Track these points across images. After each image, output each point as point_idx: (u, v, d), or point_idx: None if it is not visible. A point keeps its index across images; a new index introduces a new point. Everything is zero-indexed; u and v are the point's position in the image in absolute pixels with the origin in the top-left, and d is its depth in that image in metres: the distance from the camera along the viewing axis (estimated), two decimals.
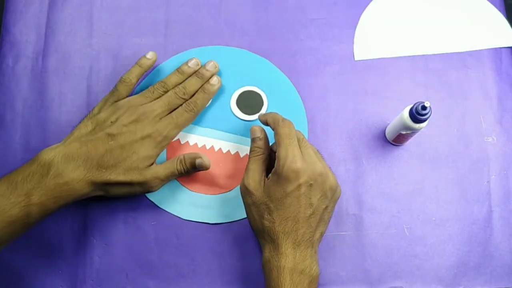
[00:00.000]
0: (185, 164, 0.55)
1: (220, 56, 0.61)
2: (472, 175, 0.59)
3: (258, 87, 0.61)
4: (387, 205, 0.58)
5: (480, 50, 0.63)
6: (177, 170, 0.54)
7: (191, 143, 0.59)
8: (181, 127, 0.56)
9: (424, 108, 0.50)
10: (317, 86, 0.61)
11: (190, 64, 0.59)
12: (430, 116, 0.50)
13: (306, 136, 0.60)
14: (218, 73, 0.60)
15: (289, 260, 0.48)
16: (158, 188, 0.55)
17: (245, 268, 0.56)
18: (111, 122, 0.53)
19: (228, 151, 0.59)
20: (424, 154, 0.59)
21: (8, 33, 0.63)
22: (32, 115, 0.60)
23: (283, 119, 0.53)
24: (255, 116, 0.60)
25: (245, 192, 0.52)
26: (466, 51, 0.63)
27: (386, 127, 0.59)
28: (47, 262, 0.56)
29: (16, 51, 0.62)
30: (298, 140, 0.52)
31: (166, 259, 0.56)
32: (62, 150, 0.50)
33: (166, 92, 0.57)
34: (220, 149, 0.59)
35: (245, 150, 0.59)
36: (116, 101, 0.56)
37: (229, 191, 0.58)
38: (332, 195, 0.51)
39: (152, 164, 0.54)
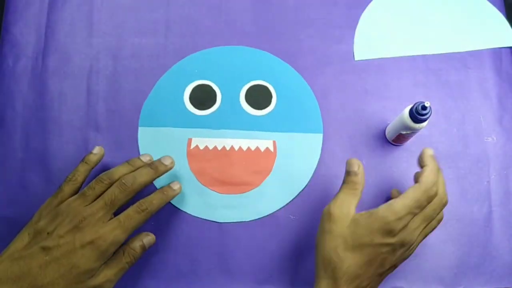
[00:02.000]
0: (134, 252, 0.49)
1: (222, 56, 0.61)
2: (472, 175, 0.59)
3: (264, 80, 0.61)
4: None
5: (480, 50, 0.63)
6: (127, 263, 0.49)
7: (210, 147, 0.59)
8: (129, 230, 0.48)
9: (424, 108, 0.50)
10: (317, 86, 0.61)
11: (142, 158, 0.54)
12: (430, 116, 0.50)
13: None
14: (224, 73, 0.60)
15: None
16: None
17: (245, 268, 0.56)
18: (48, 233, 0.47)
19: (248, 148, 0.59)
20: None
21: (8, 33, 0.63)
22: (32, 115, 0.60)
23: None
24: (267, 110, 0.60)
25: (327, 218, 0.49)
26: (466, 51, 0.63)
27: (386, 127, 0.59)
28: None
29: (16, 51, 0.62)
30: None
31: (166, 259, 0.56)
32: None
33: (110, 185, 0.50)
34: (240, 147, 0.59)
35: (263, 144, 0.59)
36: (58, 204, 0.49)
37: (254, 188, 0.58)
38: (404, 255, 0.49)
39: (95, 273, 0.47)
